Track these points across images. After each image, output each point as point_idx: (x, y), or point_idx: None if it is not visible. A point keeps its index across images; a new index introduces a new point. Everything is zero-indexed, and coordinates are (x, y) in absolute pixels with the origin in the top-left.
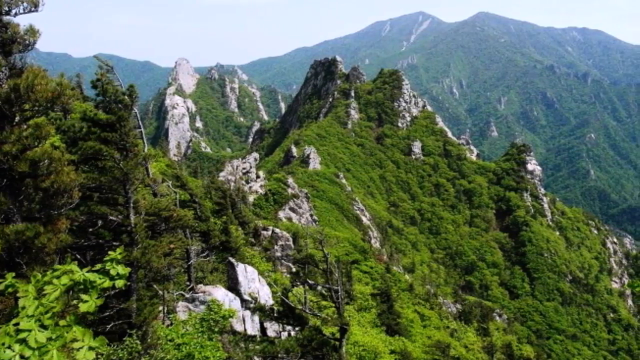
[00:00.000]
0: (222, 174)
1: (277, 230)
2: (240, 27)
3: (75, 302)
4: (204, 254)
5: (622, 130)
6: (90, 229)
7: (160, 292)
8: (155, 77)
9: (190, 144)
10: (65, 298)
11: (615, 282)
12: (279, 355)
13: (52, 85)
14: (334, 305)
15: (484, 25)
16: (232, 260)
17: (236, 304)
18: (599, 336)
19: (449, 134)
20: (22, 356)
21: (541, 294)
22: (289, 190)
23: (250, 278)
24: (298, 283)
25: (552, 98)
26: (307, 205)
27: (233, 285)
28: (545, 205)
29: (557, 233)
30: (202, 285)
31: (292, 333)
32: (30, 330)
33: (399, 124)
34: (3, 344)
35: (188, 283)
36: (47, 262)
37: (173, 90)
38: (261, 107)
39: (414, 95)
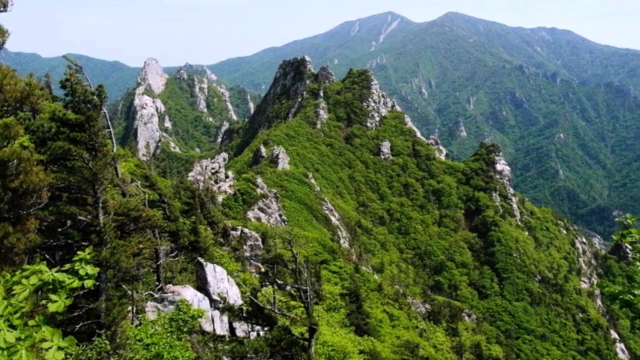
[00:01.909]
0: (191, 174)
1: (246, 230)
2: (209, 27)
3: (44, 302)
4: (173, 254)
5: (591, 130)
6: (59, 229)
7: (129, 292)
8: (124, 77)
9: (159, 144)
10: (34, 298)
11: (584, 282)
12: (248, 355)
13: (21, 85)
14: (302, 305)
15: (452, 25)
16: (201, 260)
17: (205, 304)
18: (568, 336)
19: (418, 134)
20: None
21: (510, 294)
22: (258, 190)
23: (219, 278)
24: (267, 283)
25: (521, 98)
26: (276, 205)
27: (202, 285)
28: (514, 205)
29: (526, 233)
30: (171, 285)
31: (261, 333)
32: None
33: (368, 124)
34: None
35: (157, 283)
36: (16, 262)
37: (142, 90)
38: (230, 107)
39: (383, 95)
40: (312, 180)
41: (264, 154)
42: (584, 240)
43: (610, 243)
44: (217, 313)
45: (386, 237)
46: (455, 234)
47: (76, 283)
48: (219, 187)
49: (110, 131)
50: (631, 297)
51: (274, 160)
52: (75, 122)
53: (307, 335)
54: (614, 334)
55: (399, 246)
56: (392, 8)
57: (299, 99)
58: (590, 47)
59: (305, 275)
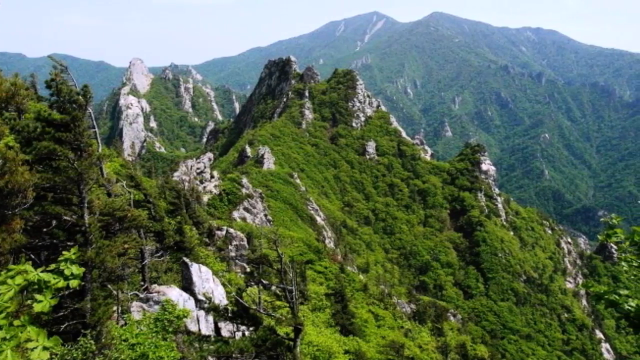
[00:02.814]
0: (176, 174)
1: (231, 230)
2: (195, 27)
3: (29, 302)
4: (158, 254)
5: (576, 130)
6: (45, 229)
7: (115, 292)
8: (109, 77)
9: (145, 144)
10: (20, 298)
11: (570, 282)
12: (233, 355)
13: (7, 85)
14: (288, 305)
15: (438, 25)
16: (187, 260)
17: (190, 304)
18: (553, 336)
19: (403, 134)
20: None
21: (495, 294)
22: (243, 190)
23: (204, 278)
24: (252, 283)
25: (506, 98)
26: (262, 205)
27: (187, 285)
28: (500, 205)
29: (512, 233)
30: (156, 285)
31: (247, 333)
32: None
33: (353, 124)
34: None
35: (142, 283)
36: (1, 262)
37: (127, 90)
38: (215, 107)
39: (368, 95)
40: (298, 180)
41: (249, 154)
42: (569, 240)
43: (595, 243)
44: (202, 313)
45: (371, 237)
46: (441, 234)
47: (61, 283)
48: (204, 187)
49: (95, 131)
50: (616, 297)
51: (259, 160)
52: (60, 122)
53: (292, 335)
54: (599, 334)
55: (384, 246)
56: (378, 8)
57: (284, 99)
58: (576, 47)
59: (291, 275)
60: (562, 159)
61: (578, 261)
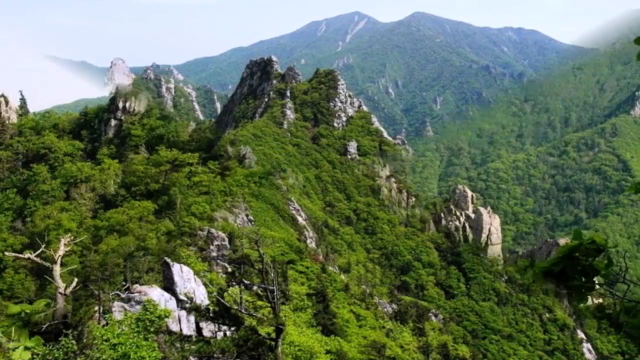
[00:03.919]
0: None
1: (212, 230)
2: (176, 27)
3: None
4: (140, 254)
5: None
6: None
7: (96, 292)
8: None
9: None
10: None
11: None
12: (215, 355)
13: None
14: (269, 305)
15: (419, 25)
16: (168, 260)
17: (172, 304)
18: (535, 336)
19: (385, 134)
20: None
21: (477, 294)
22: None
23: (185, 278)
24: (234, 283)
25: (487, 98)
26: (243, 205)
27: (169, 286)
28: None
29: None
30: (137, 285)
31: (228, 333)
32: None
33: (335, 124)
34: None
35: (124, 283)
36: None
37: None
38: (197, 107)
39: (349, 95)
40: (279, 180)
41: (230, 154)
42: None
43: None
44: (183, 313)
45: (353, 237)
46: (422, 234)
47: None
48: None
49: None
50: None
51: (240, 160)
52: None
53: (274, 335)
54: (580, 334)
55: (365, 246)
56: (359, 8)
57: (266, 99)
58: (557, 47)
59: (272, 275)
60: None
61: None
